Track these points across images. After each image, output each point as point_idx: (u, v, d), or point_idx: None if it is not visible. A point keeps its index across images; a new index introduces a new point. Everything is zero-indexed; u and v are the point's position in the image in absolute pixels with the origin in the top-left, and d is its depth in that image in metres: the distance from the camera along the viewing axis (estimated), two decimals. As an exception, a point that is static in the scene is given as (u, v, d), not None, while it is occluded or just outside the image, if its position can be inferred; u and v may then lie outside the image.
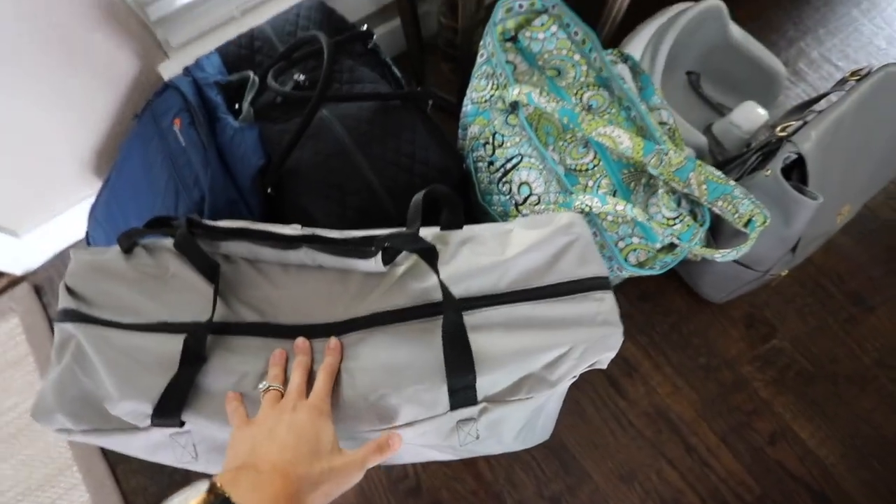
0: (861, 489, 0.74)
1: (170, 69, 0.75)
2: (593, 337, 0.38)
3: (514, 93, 0.63)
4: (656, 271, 0.59)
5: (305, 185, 0.59)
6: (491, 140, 0.68)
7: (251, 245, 0.43)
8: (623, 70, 0.70)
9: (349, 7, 0.84)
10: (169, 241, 0.46)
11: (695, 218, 0.59)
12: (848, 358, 0.81)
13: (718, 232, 0.68)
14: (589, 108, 0.66)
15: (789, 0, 1.07)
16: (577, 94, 0.67)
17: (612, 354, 0.40)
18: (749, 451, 0.77)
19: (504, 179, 0.67)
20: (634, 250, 0.61)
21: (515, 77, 0.69)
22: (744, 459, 0.76)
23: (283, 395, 0.35)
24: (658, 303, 0.85)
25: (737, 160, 0.70)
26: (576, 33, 0.68)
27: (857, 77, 0.62)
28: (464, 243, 0.42)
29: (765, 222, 0.52)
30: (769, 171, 0.57)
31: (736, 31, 0.83)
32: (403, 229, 0.43)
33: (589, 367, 0.39)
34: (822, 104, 0.64)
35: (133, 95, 0.75)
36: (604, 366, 0.41)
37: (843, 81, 0.64)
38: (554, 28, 0.70)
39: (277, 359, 0.38)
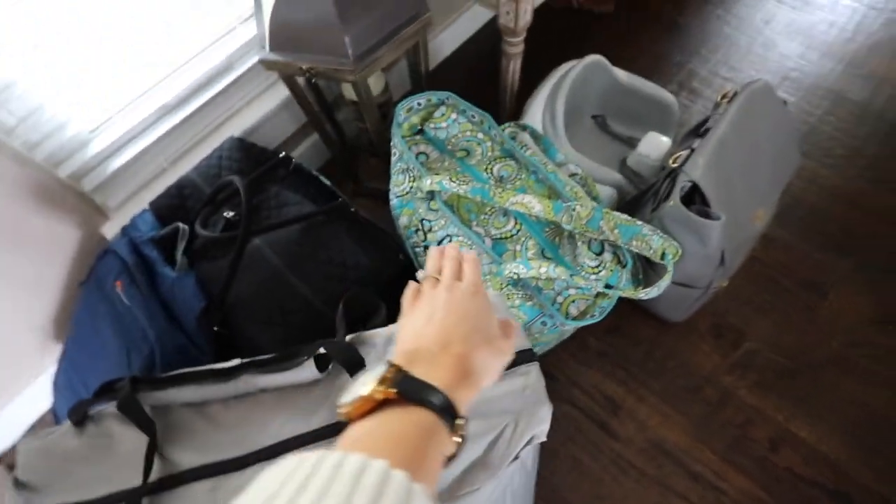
0: (875, 475, 0.73)
1: (112, 229, 0.79)
2: (524, 413, 0.39)
3: (427, 183, 0.68)
4: (596, 318, 0.61)
5: (248, 315, 0.61)
6: (420, 227, 0.72)
7: (195, 387, 0.44)
8: (525, 137, 0.77)
9: (271, 133, 0.92)
10: (114, 406, 0.47)
11: (619, 260, 0.62)
12: (818, 345, 0.82)
13: (654, 263, 0.71)
14: (501, 179, 0.71)
15: (668, 31, 1.18)
16: (486, 168, 0.72)
17: (546, 427, 0.41)
18: (754, 464, 0.75)
19: (441, 260, 0.70)
20: (574, 301, 0.63)
21: (429, 165, 0.74)
22: (752, 474, 0.75)
23: (439, 283, 0.34)
24: (626, 334, 0.86)
25: (651, 189, 0.75)
26: (473, 116, 0.75)
27: (727, 99, 0.69)
28: (389, 342, 0.44)
29: (677, 253, 0.55)
30: (672, 202, 0.62)
31: (621, 74, 0.91)
32: (335, 339, 0.45)
33: (526, 443, 0.40)
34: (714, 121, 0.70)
35: (79, 262, 0.78)
36: (542, 438, 0.41)
37: (717, 105, 0.70)
38: (454, 115, 0.76)
39: (434, 252, 0.37)
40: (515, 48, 0.82)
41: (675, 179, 0.64)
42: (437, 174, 0.73)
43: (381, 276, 0.63)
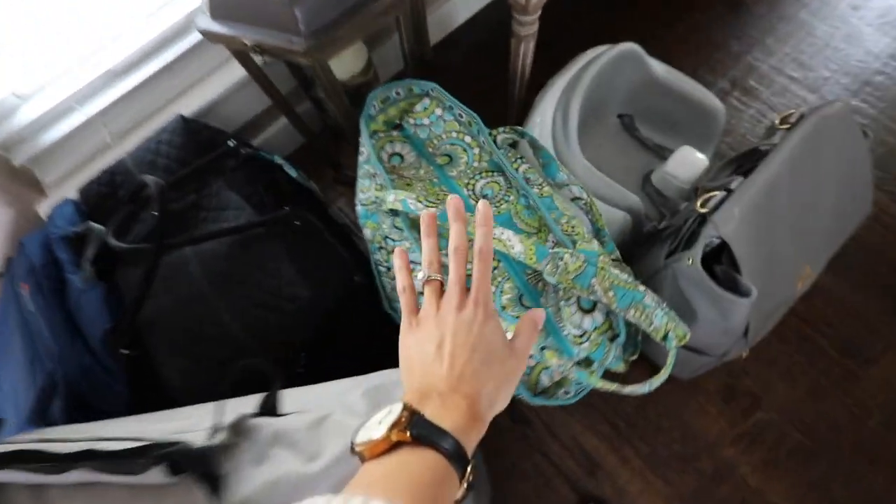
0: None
1: (49, 207, 0.70)
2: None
3: (390, 199, 0.56)
4: (570, 399, 0.49)
5: (162, 339, 0.52)
6: (384, 245, 0.61)
7: (24, 473, 0.36)
8: (524, 147, 0.63)
9: (237, 110, 0.79)
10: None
11: (610, 326, 0.49)
12: (850, 424, 0.69)
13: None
14: (484, 198, 0.58)
15: (730, 11, 0.97)
16: (469, 183, 0.59)
17: None
18: (746, 555, 0.65)
19: (403, 288, 0.59)
20: (547, 368, 0.51)
21: (400, 171, 0.62)
22: (741, 566, 0.65)
23: (443, 286, 0.33)
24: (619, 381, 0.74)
25: (670, 227, 0.60)
26: (460, 115, 0.61)
27: (787, 125, 0.53)
28: (274, 441, 0.34)
29: (684, 338, 0.42)
30: (691, 260, 0.48)
31: (658, 68, 0.74)
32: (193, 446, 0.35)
33: None
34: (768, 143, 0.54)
35: (10, 244, 0.71)
36: None
37: (771, 130, 0.54)
38: (439, 111, 0.63)
39: (430, 229, 0.35)
40: (527, 28, 0.66)
41: (702, 226, 0.50)
42: (408, 184, 0.60)
43: (319, 309, 0.53)
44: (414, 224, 0.57)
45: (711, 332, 0.52)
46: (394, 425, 0.26)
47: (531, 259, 0.49)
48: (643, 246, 0.66)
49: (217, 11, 0.53)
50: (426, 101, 0.63)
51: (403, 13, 0.57)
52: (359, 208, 0.65)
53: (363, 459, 0.26)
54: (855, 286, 0.75)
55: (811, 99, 0.88)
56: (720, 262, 0.50)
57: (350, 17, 0.52)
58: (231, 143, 0.62)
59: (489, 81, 0.85)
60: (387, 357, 0.73)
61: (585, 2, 1.01)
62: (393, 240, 0.59)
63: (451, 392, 0.28)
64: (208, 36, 0.55)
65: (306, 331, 0.53)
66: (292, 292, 0.52)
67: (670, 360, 0.43)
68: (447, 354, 0.29)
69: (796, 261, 0.54)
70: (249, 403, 0.39)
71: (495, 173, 0.59)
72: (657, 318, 0.43)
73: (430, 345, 0.30)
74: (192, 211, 0.60)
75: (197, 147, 0.63)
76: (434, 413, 0.27)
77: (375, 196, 0.61)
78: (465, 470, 0.27)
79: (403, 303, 0.33)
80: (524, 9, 0.62)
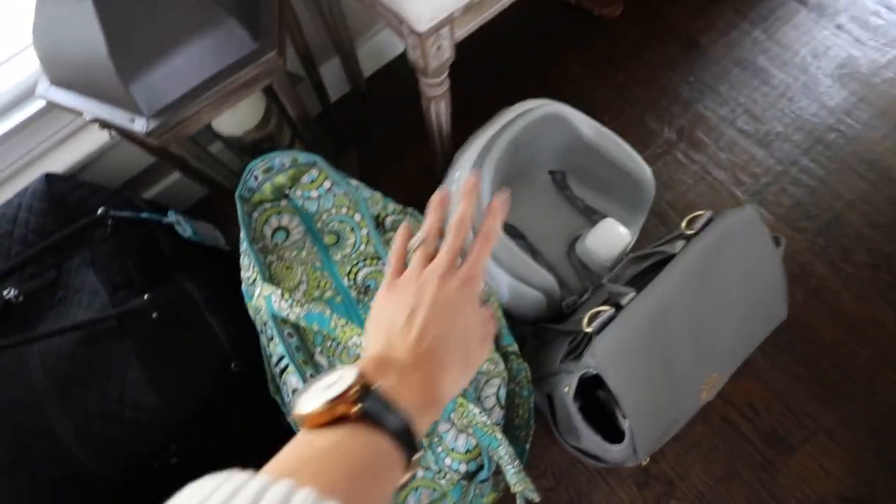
0: None
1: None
2: None
3: (256, 293, 0.50)
4: None
5: (-9, 451, 0.47)
6: (264, 330, 0.56)
7: None
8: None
9: (125, 161, 0.73)
10: None
11: (479, 454, 0.45)
12: (764, 518, 0.66)
13: (558, 420, 0.55)
14: (366, 290, 0.53)
15: (682, 52, 0.91)
16: (351, 270, 0.54)
17: None
18: None
19: (282, 380, 0.55)
20: (416, 489, 0.47)
21: (281, 252, 0.56)
22: None
23: (434, 256, 0.30)
24: (534, 461, 0.71)
25: (571, 324, 0.56)
26: (347, 192, 0.56)
27: (693, 230, 0.48)
28: None
29: (532, 499, 0.38)
30: (567, 389, 0.44)
31: (587, 130, 0.68)
32: None
33: None
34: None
35: None
36: None
37: (673, 237, 0.49)
38: (327, 183, 0.57)
39: (437, 205, 0.32)
40: (435, 90, 0.60)
41: (587, 346, 0.46)
42: (288, 267, 0.55)
43: (170, 421, 0.48)
44: (283, 323, 0.52)
45: (597, 447, 0.48)
46: (340, 396, 0.22)
47: (393, 380, 0.44)
48: (552, 331, 0.62)
49: (55, 76, 0.47)
50: (314, 171, 0.57)
51: (276, 79, 0.50)
52: (243, 286, 0.59)
53: (301, 425, 0.23)
54: (785, 368, 0.72)
55: (759, 155, 0.83)
56: (603, 387, 0.45)
57: (203, 92, 0.45)
58: (100, 211, 0.57)
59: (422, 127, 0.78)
60: (274, 445, 0.68)
61: (532, 36, 0.94)
62: (271, 328, 0.54)
63: (412, 368, 0.26)
64: (49, 104, 0.49)
65: (153, 441, 0.48)
66: (136, 399, 0.47)
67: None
68: (418, 326, 0.27)
69: (698, 373, 0.50)
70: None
71: (381, 261, 0.54)
72: (509, 474, 0.39)
73: (402, 311, 0.28)
74: (49, 289, 0.55)
75: (63, 213, 0.57)
76: (391, 384, 0.24)
77: (253, 278, 0.56)
78: (413, 456, 0.24)
79: (389, 264, 0.31)
80: (424, 71, 0.56)
